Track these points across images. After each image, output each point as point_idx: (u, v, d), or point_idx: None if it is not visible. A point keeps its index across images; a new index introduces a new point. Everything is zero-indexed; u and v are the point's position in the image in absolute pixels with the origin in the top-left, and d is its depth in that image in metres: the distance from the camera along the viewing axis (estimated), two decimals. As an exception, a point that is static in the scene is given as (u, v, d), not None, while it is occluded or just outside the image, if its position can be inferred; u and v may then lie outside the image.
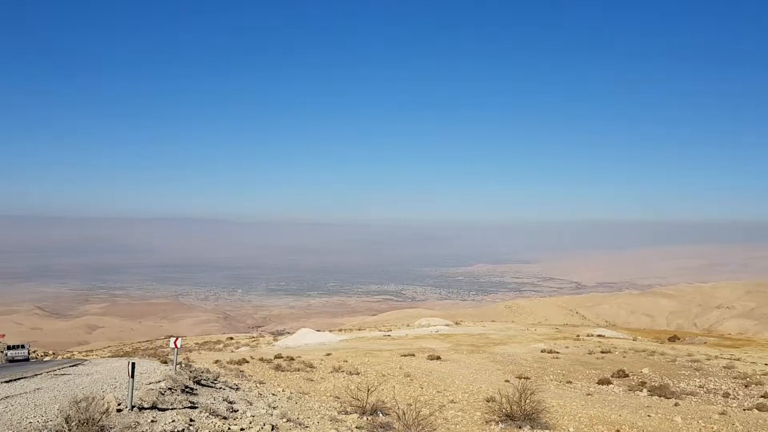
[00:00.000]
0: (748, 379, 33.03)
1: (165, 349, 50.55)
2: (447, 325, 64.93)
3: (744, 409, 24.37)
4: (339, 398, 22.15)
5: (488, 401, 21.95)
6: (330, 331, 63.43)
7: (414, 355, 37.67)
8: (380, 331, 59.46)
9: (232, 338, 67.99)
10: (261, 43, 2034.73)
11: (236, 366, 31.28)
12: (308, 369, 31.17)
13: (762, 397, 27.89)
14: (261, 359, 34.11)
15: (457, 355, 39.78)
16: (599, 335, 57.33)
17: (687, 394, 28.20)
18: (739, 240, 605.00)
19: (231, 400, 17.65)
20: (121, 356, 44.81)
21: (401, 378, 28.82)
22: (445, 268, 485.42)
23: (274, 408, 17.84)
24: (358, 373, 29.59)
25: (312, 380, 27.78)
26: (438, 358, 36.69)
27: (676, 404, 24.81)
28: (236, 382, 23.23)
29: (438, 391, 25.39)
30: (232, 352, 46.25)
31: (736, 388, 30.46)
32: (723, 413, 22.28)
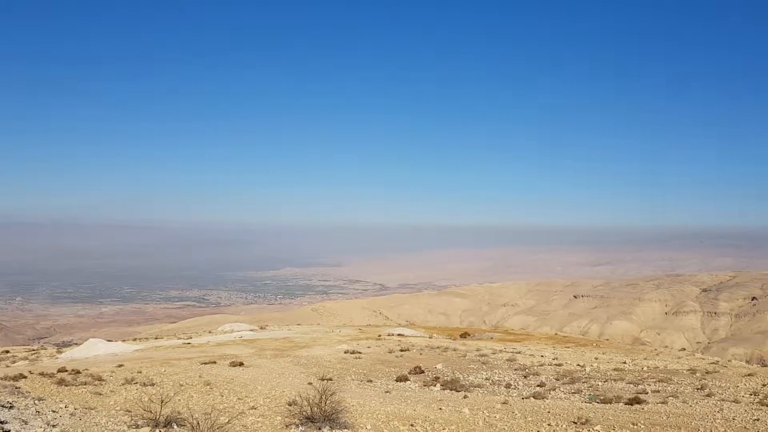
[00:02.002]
0: (527, 370, 36.42)
1: None
2: (252, 330, 63.75)
3: (523, 398, 26.70)
4: (130, 411, 20.67)
5: (290, 405, 21.83)
6: (124, 340, 59.19)
7: (215, 362, 36.40)
8: (180, 338, 56.72)
9: (7, 351, 60.71)
10: None
11: (11, 382, 27.95)
12: (97, 382, 28.75)
13: (538, 386, 30.84)
14: (41, 374, 30.81)
15: (261, 360, 39.17)
16: (399, 334, 59.80)
17: (475, 387, 30.30)
18: (523, 243, 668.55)
19: (2, 420, 15.72)
20: None
21: (200, 387, 27.68)
22: (252, 272, 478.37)
23: (53, 426, 16.22)
24: (153, 384, 27.89)
25: (101, 394, 25.68)
26: (241, 364, 35.80)
27: (465, 396, 26.56)
28: (10, 400, 20.71)
29: (239, 398, 24.75)
30: (7, 367, 41.32)
31: (517, 379, 33.37)
32: (505, 402, 24.25)
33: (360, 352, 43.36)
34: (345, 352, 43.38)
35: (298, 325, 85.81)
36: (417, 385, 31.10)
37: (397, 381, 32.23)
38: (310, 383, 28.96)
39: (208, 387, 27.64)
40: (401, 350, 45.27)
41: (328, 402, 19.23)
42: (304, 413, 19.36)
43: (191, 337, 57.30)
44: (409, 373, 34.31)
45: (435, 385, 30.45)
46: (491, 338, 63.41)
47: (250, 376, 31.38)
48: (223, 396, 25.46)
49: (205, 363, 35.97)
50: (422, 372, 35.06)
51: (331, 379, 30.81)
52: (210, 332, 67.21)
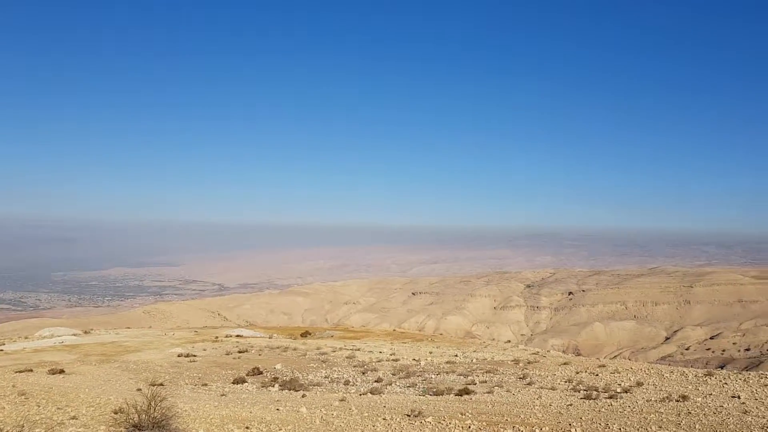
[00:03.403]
0: (365, 366, 37.06)
1: None
2: (75, 335, 59.11)
3: (360, 394, 27.09)
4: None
5: (116, 413, 20.40)
6: None
7: (32, 370, 33.25)
8: (-10, 346, 51.23)
9: None
10: None
11: None
12: None
13: (376, 381, 31.48)
14: None
15: (85, 366, 36.39)
16: (238, 335, 58.43)
17: (314, 385, 30.29)
18: (365, 242, 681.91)
19: None
20: None
21: (14, 397, 25.07)
22: (76, 272, 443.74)
23: None
24: (-46, 398, 24.87)
25: None
26: (62, 371, 33.01)
27: (304, 396, 26.44)
28: None
29: (58, 408, 22.72)
30: None
31: (356, 376, 33.84)
32: (343, 399, 24.44)
33: (195, 355, 41.74)
34: (179, 356, 41.54)
35: (128, 328, 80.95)
36: (255, 386, 30.48)
37: (234, 383, 31.38)
38: (139, 389, 27.35)
39: (23, 397, 25.13)
40: (239, 352, 44.20)
41: (157, 408, 18.20)
42: (131, 421, 18.17)
43: (4, 344, 51.99)
44: (247, 375, 33.57)
45: (273, 386, 30.02)
46: (332, 336, 63.90)
47: (72, 384, 29.01)
48: (40, 406, 23.25)
49: (20, 371, 32.76)
50: (261, 373, 34.45)
51: (162, 384, 29.33)
52: (26, 338, 61.40)
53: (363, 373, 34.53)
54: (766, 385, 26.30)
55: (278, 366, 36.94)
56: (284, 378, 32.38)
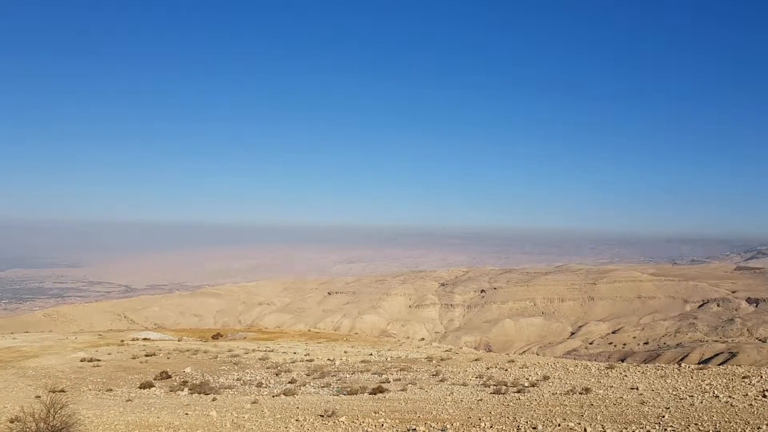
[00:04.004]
0: (279, 367, 36.63)
1: None
2: (-33, 341, 55.37)
3: (273, 396, 26.73)
4: None
5: (12, 422, 19.21)
6: None
7: None
8: None
9: None
10: None
11: None
12: None
13: (289, 383, 31.16)
14: None
15: (-23, 374, 34.16)
16: (145, 338, 56.38)
17: (225, 388, 29.64)
18: (280, 241, 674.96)
19: None
20: None
21: None
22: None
23: None
24: None
25: None
26: (-51, 380, 30.87)
27: (214, 399, 25.82)
28: None
29: (-55, 420, 21.20)
30: None
31: (269, 377, 33.38)
32: (255, 402, 24.04)
33: (99, 360, 39.98)
34: (82, 361, 39.67)
35: (26, 332, 76.52)
36: (163, 391, 29.52)
37: (140, 388, 30.27)
38: (38, 396, 25.90)
39: None
40: (147, 355, 42.68)
41: (57, 416, 17.27)
42: (28, 430, 17.17)
43: None
44: (155, 379, 32.47)
45: (183, 390, 29.18)
46: (244, 338, 62.79)
47: (-39, 394, 27.15)
48: None
49: None
50: (169, 377, 33.40)
51: (63, 391, 27.89)
52: None
53: (276, 375, 34.12)
54: (662, 377, 27.82)
55: (188, 369, 35.93)
56: (194, 381, 31.53)
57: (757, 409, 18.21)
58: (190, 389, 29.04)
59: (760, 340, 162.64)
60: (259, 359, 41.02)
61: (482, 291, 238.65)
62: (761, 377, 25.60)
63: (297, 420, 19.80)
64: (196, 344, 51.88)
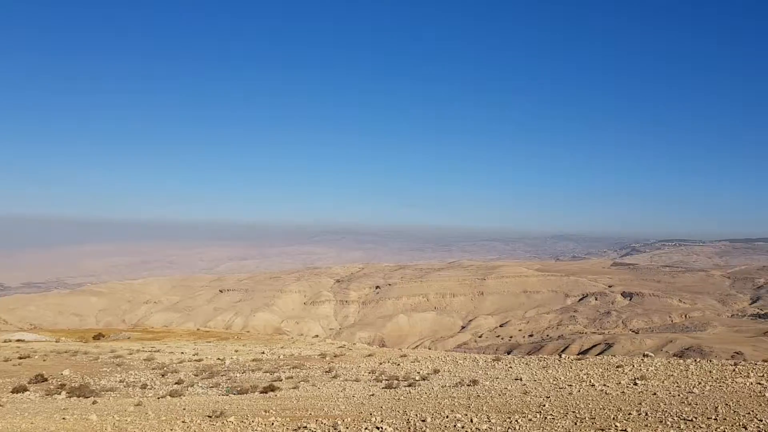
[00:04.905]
0: (165, 368, 35.28)
1: None
2: None
3: (159, 398, 25.70)
4: None
5: None
6: None
7: None
8: None
9: None
10: None
11: None
12: None
13: (176, 383, 30.07)
14: None
15: None
16: (18, 340, 52.74)
17: (107, 391, 28.21)
18: (167, 238, 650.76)
19: None
20: None
21: None
22: None
23: None
24: None
25: None
26: None
27: (95, 402, 24.48)
28: None
29: None
30: None
31: (154, 379, 32.07)
32: (138, 404, 23.01)
33: (-34, 364, 36.97)
34: (-56, 366, 36.53)
35: None
36: (38, 395, 27.68)
37: (13, 392, 28.23)
38: None
39: None
40: (20, 358, 39.86)
41: None
42: None
43: None
44: (29, 383, 30.37)
45: (60, 393, 27.48)
46: (129, 338, 60.16)
47: None
48: None
49: None
50: (45, 380, 31.35)
51: None
52: None
53: (162, 376, 32.85)
54: (544, 367, 29.17)
55: (66, 372, 33.89)
56: (73, 384, 29.78)
57: (629, 396, 19.45)
58: (68, 393, 27.40)
59: (633, 331, 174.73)
60: (144, 360, 39.35)
61: (377, 287, 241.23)
62: (633, 366, 27.39)
63: (183, 422, 19.14)
64: (76, 345, 49.10)
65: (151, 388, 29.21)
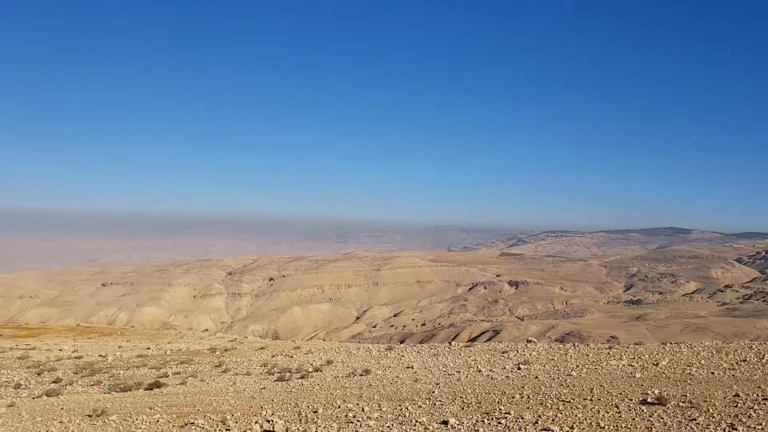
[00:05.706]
0: (41, 366, 33.18)
1: None
2: None
3: (34, 398, 24.18)
4: None
5: None
6: None
7: None
8: None
9: None
10: None
11: None
12: None
13: (53, 382, 28.34)
14: None
15: None
16: None
17: (-26, 393, 26.18)
18: (43, 229, 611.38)
19: None
20: None
21: None
22: None
23: None
24: None
25: None
26: None
27: (-41, 406, 22.65)
28: None
29: None
30: None
31: (29, 378, 30.10)
32: (11, 405, 21.54)
33: None
34: None
35: None
36: None
37: None
38: None
39: None
40: None
41: None
42: None
43: None
44: None
45: None
46: (0, 335, 56.07)
47: None
48: None
49: None
50: None
51: None
52: None
53: (38, 374, 30.88)
54: (435, 355, 29.89)
55: (-74, 374, 31.13)
56: (-66, 388, 27.40)
57: (513, 381, 20.29)
58: (-73, 397, 25.18)
59: (519, 318, 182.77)
60: (18, 358, 36.83)
61: (271, 279, 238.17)
62: (518, 352, 28.62)
63: (60, 422, 18.07)
64: (-61, 345, 45.20)
65: (25, 388, 27.40)
